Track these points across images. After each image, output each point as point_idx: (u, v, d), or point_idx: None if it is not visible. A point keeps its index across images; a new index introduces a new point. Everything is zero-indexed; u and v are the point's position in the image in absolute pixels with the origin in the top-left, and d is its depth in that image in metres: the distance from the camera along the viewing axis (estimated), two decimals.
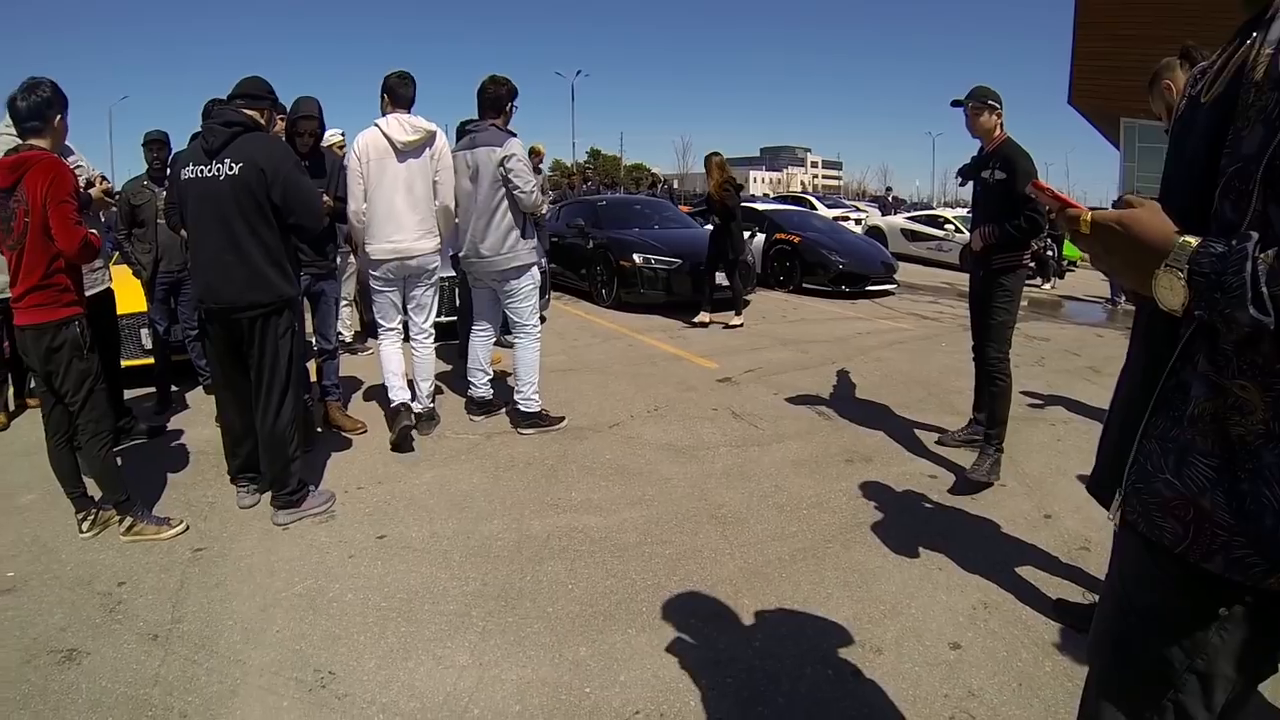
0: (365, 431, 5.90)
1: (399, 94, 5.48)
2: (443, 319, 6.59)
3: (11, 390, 6.95)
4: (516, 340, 5.77)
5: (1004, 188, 4.63)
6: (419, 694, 2.95)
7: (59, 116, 4.19)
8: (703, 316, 9.88)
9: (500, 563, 3.90)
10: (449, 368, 7.51)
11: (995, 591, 3.49)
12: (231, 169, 4.20)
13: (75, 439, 4.41)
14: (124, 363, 6.67)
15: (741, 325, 9.71)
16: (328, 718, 2.88)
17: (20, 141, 4.20)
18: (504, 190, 5.45)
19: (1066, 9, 22.02)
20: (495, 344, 6.27)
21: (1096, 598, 3.25)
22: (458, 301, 7.76)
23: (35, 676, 3.32)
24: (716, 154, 10.22)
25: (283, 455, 4.48)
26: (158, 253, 6.54)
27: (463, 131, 6.48)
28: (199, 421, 6.48)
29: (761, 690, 2.85)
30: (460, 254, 5.82)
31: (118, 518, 4.49)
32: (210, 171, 4.25)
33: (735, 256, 9.89)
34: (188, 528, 4.50)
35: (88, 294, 4.54)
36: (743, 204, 11.31)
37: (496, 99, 5.58)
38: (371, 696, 2.97)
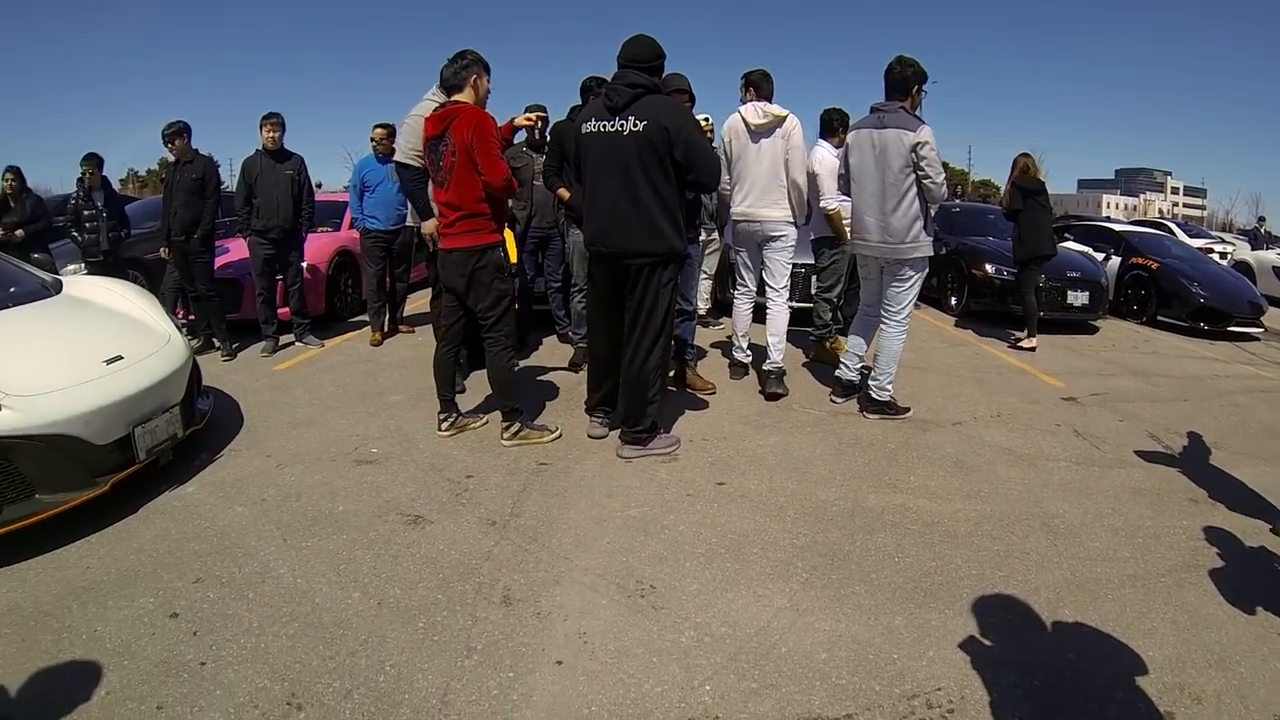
0: (715, 392, 6.26)
1: (761, 87, 6.09)
2: (795, 304, 6.79)
3: (387, 316, 8.29)
4: (885, 328, 5.80)
5: None
6: (733, 622, 3.14)
7: (476, 77, 4.83)
8: (1026, 341, 8.93)
9: (832, 526, 4.02)
10: (799, 351, 7.72)
11: None
12: (636, 125, 4.52)
13: (485, 350, 5.07)
14: None
15: (1032, 349, 8.80)
16: (640, 622, 3.14)
17: (446, 100, 4.95)
18: (913, 177, 5.41)
19: None
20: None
21: None
22: (812, 289, 7.89)
23: (383, 528, 3.93)
24: (1024, 154, 9.42)
25: (642, 396, 4.80)
26: (531, 209, 7.21)
27: (829, 125, 7.20)
28: (553, 362, 7.24)
29: (1068, 702, 2.77)
30: (855, 235, 5.90)
31: (479, 422, 5.31)
32: (613, 127, 4.59)
33: (1022, 257, 9.07)
34: (561, 435, 5.10)
35: None
36: (1090, 221, 10.37)
37: (902, 80, 5.53)
38: (686, 615, 3.19)
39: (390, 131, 8.12)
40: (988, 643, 3.07)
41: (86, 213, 8.30)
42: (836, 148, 6.88)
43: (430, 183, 5.21)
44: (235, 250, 8.78)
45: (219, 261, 8.10)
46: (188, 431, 4.78)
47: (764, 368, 6.34)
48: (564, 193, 6.30)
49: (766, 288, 6.31)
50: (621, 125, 4.55)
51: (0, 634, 3.14)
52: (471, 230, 4.76)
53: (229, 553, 3.76)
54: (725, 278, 8.96)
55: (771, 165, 6.04)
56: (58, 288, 5.39)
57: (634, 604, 3.27)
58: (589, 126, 4.73)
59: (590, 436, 5.16)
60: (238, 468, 4.82)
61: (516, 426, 5.02)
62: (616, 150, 4.59)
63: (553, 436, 5.10)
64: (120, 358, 4.43)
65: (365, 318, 8.62)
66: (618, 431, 5.04)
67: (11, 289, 5.16)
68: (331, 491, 4.42)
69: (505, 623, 3.14)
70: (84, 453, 3.96)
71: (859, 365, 6.11)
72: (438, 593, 3.36)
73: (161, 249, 7.88)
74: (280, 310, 8.09)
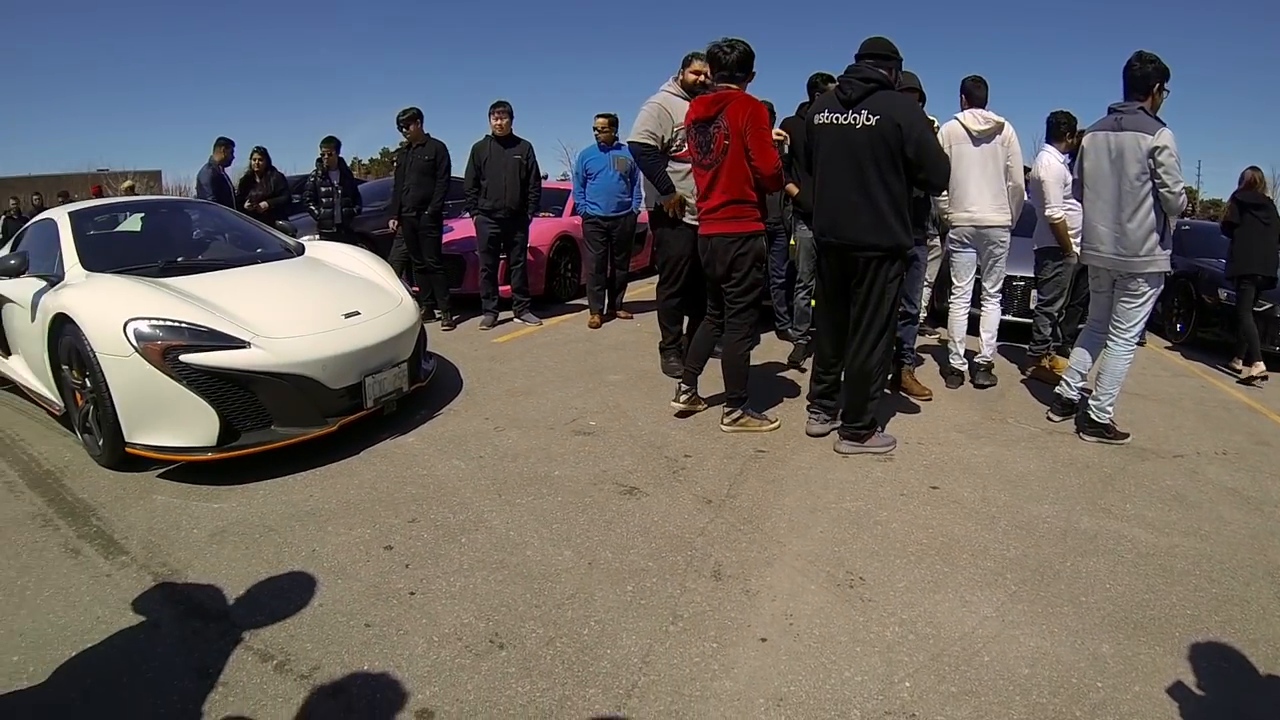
0: (930, 399, 6.22)
1: (974, 94, 6.30)
2: (1010, 317, 6.63)
3: (607, 301, 8.64)
4: (1112, 346, 5.52)
5: None
6: (938, 624, 3.16)
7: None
8: (1253, 369, 8.00)
9: (1044, 542, 3.94)
10: (1014, 367, 7.56)
11: None
12: (869, 120, 4.54)
13: (724, 334, 5.19)
14: None
15: (1258, 380, 7.92)
16: (847, 612, 3.22)
17: (669, 97, 5.50)
18: (1150, 185, 5.03)
19: None
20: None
21: None
22: (1031, 303, 7.79)
23: (598, 495, 4.16)
24: (1253, 168, 8.70)
25: (864, 390, 4.84)
26: None
27: (1056, 129, 6.89)
28: (772, 358, 7.37)
29: None
30: (1086, 245, 5.61)
31: (700, 406, 5.51)
32: (847, 120, 4.62)
33: (1233, 274, 8.40)
34: (780, 426, 5.23)
35: None
36: None
37: (1143, 78, 5.09)
38: (893, 610, 3.24)
39: (611, 121, 8.45)
40: (1198, 690, 2.93)
41: (323, 189, 9.22)
42: (1063, 153, 6.67)
43: (674, 165, 5.58)
44: (459, 229, 9.44)
45: (445, 239, 8.68)
46: (412, 387, 5.24)
47: (974, 360, 6.60)
48: (792, 188, 6.47)
49: (983, 289, 6.51)
50: (854, 119, 4.57)
51: (226, 540, 3.60)
52: (736, 217, 4.87)
53: (444, 500, 4.09)
54: (944, 286, 8.84)
55: (994, 170, 6.20)
56: (300, 250, 6.08)
57: (842, 593, 3.34)
58: (821, 118, 4.77)
59: (809, 434, 5.20)
60: (456, 426, 5.20)
61: (739, 414, 5.16)
62: (848, 143, 4.62)
63: (772, 427, 5.21)
64: (358, 313, 4.93)
65: (583, 301, 9.05)
66: (835, 428, 5.10)
67: (259, 250, 5.89)
68: (548, 456, 4.70)
69: (714, 596, 3.28)
70: (318, 394, 4.47)
71: (1080, 383, 5.85)
72: (649, 560, 3.54)
73: (390, 222, 8.60)
74: (501, 288, 8.57)
